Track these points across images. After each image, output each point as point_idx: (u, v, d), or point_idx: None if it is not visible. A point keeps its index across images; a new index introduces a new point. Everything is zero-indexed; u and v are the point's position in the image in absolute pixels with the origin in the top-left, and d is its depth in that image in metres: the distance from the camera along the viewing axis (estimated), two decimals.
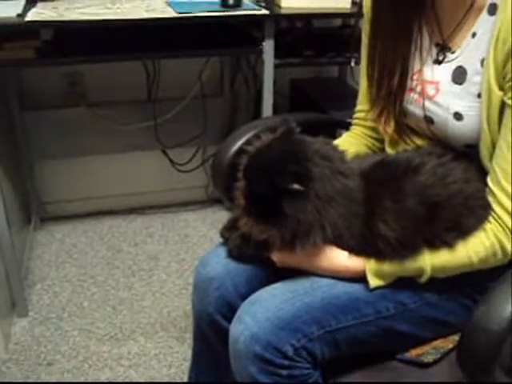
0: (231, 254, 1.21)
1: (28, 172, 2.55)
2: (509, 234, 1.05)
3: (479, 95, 1.08)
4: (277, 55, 2.04)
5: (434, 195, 1.07)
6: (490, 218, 1.06)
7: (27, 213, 2.58)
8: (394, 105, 1.22)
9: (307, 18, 2.22)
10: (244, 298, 1.14)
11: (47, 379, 1.83)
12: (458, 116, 1.11)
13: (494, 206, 1.06)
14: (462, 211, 1.07)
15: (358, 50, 1.36)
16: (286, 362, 1.04)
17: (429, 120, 1.18)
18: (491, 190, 1.07)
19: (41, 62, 1.92)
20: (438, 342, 1.18)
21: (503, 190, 1.05)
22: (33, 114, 2.47)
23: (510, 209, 1.04)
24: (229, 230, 1.22)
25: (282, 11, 1.99)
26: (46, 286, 2.27)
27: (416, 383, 1.13)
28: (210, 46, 2.05)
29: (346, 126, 1.44)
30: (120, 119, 2.54)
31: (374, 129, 1.34)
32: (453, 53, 1.15)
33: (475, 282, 1.14)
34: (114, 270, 2.36)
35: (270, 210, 1.02)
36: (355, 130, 1.39)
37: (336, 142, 1.33)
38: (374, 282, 1.09)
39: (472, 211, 1.07)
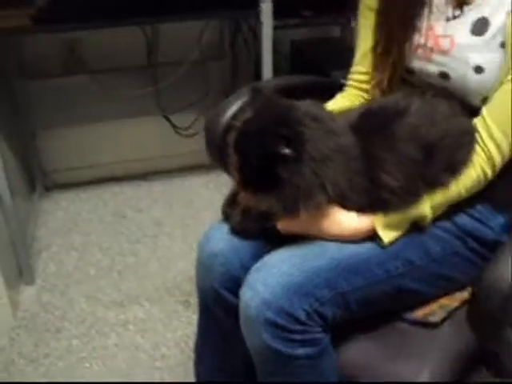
0: (234, 231, 1.19)
1: (30, 141, 2.55)
2: (491, 163, 1.09)
3: (502, 45, 1.08)
4: (276, 16, 2.01)
5: (425, 135, 1.07)
6: (477, 148, 1.09)
7: (31, 182, 2.60)
8: (394, 74, 1.22)
9: None
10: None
11: (56, 345, 1.87)
12: (478, 69, 1.10)
13: (485, 137, 1.09)
14: (453, 149, 1.08)
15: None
16: (299, 327, 1.04)
17: (444, 76, 1.16)
18: (484, 120, 1.10)
19: (37, 29, 1.91)
20: (444, 301, 1.19)
21: (498, 122, 1.08)
22: (33, 82, 2.47)
23: (498, 140, 1.08)
24: (229, 205, 1.21)
25: None
26: (51, 253, 2.29)
27: None
28: (208, 8, 2.02)
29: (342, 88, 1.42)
30: (121, 85, 2.52)
31: (369, 91, 1.32)
32: (470, 4, 1.13)
33: (479, 235, 1.16)
34: (118, 236, 2.38)
35: (266, 180, 1.00)
36: (350, 91, 1.37)
37: (329, 103, 1.32)
38: (386, 236, 1.08)
39: (462, 148, 1.10)
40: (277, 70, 2.23)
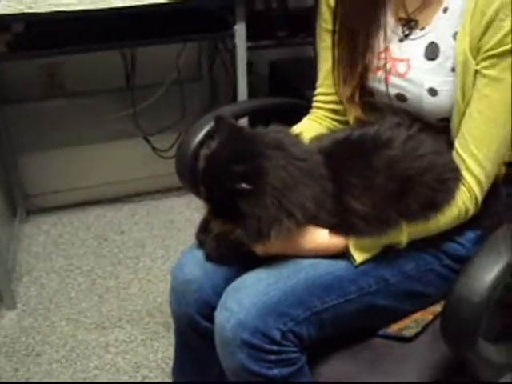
0: (210, 258, 1.20)
1: (11, 165, 2.54)
2: (473, 198, 1.11)
3: (453, 69, 1.10)
4: (251, 37, 2.04)
5: (406, 169, 1.08)
6: (460, 185, 1.11)
7: (13, 206, 2.59)
8: (364, 84, 1.24)
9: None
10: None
11: (36, 370, 1.86)
12: (432, 92, 1.13)
13: (463, 171, 1.11)
14: (435, 186, 1.09)
15: None
16: (275, 347, 1.04)
17: (401, 97, 1.19)
18: (460, 156, 1.11)
19: (13, 55, 1.93)
20: (418, 315, 1.21)
21: (472, 155, 1.09)
22: (12, 106, 2.47)
23: (477, 174, 1.10)
24: (203, 232, 1.22)
25: None
26: (33, 277, 2.28)
27: None
28: (184, 31, 2.04)
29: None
30: (100, 108, 2.55)
31: (335, 111, 1.35)
32: (422, 29, 1.17)
33: (452, 252, 1.18)
34: (100, 258, 2.38)
35: (232, 211, 1.02)
36: (316, 113, 1.39)
37: (296, 126, 1.34)
38: (358, 257, 1.10)
39: (444, 185, 1.10)
40: (255, 91, 2.26)
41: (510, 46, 1.02)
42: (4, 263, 2.11)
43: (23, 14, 1.76)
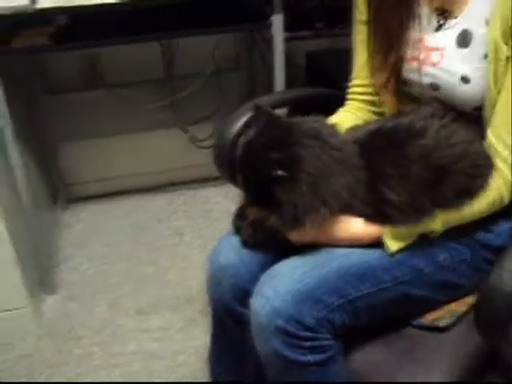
0: (246, 244, 1.22)
1: (52, 154, 2.62)
2: (508, 184, 1.11)
3: (485, 56, 1.11)
4: (289, 28, 2.05)
5: (439, 158, 1.09)
6: (493, 172, 1.11)
7: (53, 194, 2.66)
8: (398, 74, 1.25)
9: None
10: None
11: (78, 352, 1.92)
12: (465, 79, 1.14)
13: (495, 158, 1.11)
14: (469, 173, 1.10)
15: None
16: (309, 334, 1.06)
17: (434, 87, 1.20)
18: (492, 144, 1.12)
19: (56, 47, 1.97)
20: (452, 306, 1.22)
21: (503, 142, 1.10)
22: (54, 96, 2.54)
23: (509, 160, 1.10)
24: (239, 218, 1.24)
25: None
26: (73, 264, 2.35)
27: None
28: (221, 22, 2.07)
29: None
30: (138, 99, 2.59)
31: (371, 102, 1.37)
32: (455, 18, 1.17)
33: (486, 243, 1.18)
34: (138, 246, 2.43)
35: (268, 198, 1.05)
36: (352, 104, 1.40)
37: (332, 117, 1.35)
38: (393, 245, 1.11)
39: (478, 172, 1.11)
40: (292, 82, 2.27)
41: None
42: (46, 250, 2.18)
43: (66, 7, 1.80)
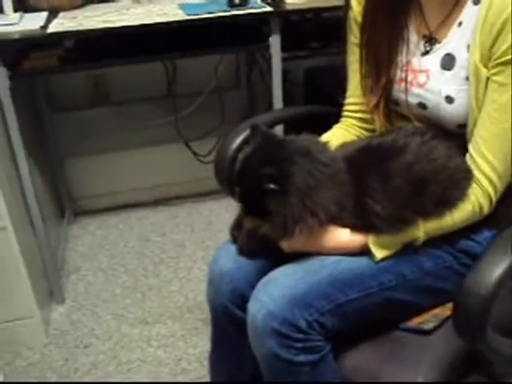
0: (242, 252, 1.31)
1: (59, 169, 2.72)
2: (487, 196, 1.18)
3: (467, 78, 1.19)
4: (286, 48, 2.14)
5: (419, 171, 1.17)
6: (472, 183, 1.19)
7: (61, 208, 2.76)
8: (388, 95, 1.34)
9: (312, 12, 2.29)
10: (254, 288, 1.22)
11: (84, 360, 2.00)
12: (449, 99, 1.22)
13: (475, 171, 1.19)
14: (447, 185, 1.18)
15: None
16: (301, 336, 1.13)
17: (422, 106, 1.29)
18: (472, 157, 1.19)
19: (64, 68, 2.08)
20: (437, 310, 1.28)
21: (483, 156, 1.17)
22: (61, 114, 2.64)
23: (488, 173, 1.17)
24: (236, 228, 1.34)
25: (287, 7, 2.10)
26: (80, 275, 2.43)
27: None
28: (222, 43, 2.16)
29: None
30: (143, 116, 2.69)
31: (364, 120, 1.44)
32: (439, 43, 1.26)
33: (469, 250, 1.25)
34: (143, 258, 2.52)
35: (261, 209, 1.13)
36: (346, 121, 1.48)
37: (326, 134, 1.44)
38: (378, 253, 1.18)
39: (456, 184, 1.19)
40: (292, 98, 2.35)
41: None
42: (54, 261, 2.26)
43: (74, 31, 1.90)
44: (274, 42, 2.08)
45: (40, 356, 2.03)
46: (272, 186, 1.10)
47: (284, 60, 2.17)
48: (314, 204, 1.11)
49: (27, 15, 2.04)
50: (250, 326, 1.18)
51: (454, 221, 1.19)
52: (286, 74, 2.55)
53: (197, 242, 2.61)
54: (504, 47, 1.11)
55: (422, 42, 1.29)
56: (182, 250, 2.56)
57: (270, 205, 1.11)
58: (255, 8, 2.05)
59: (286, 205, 1.10)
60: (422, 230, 1.17)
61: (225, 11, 2.02)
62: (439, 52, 1.25)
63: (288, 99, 2.34)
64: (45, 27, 1.92)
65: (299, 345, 1.14)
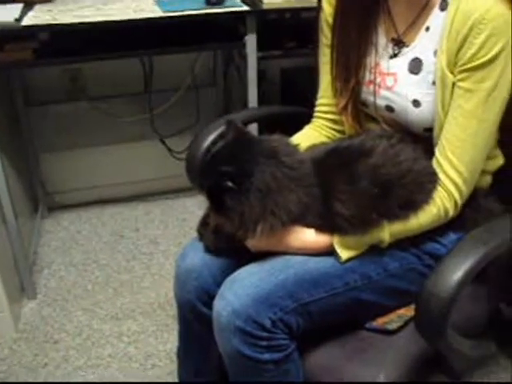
0: (208, 250, 1.33)
1: (34, 164, 2.69)
2: (452, 199, 1.21)
3: (434, 83, 1.22)
4: (262, 47, 2.15)
5: (385, 174, 1.19)
6: (437, 187, 1.21)
7: (34, 202, 2.74)
8: (357, 97, 1.35)
9: (289, 11, 2.31)
10: (221, 285, 1.24)
11: (53, 356, 2.00)
12: (416, 103, 1.24)
13: (440, 175, 1.21)
14: (412, 188, 1.20)
15: None
16: (265, 334, 1.15)
17: (389, 109, 1.31)
18: (438, 161, 1.21)
19: (39, 62, 2.05)
20: (401, 311, 1.31)
21: (449, 160, 1.20)
22: (37, 109, 2.62)
23: (453, 177, 1.20)
24: (203, 226, 1.35)
25: (264, 6, 2.10)
26: (52, 270, 2.43)
27: None
28: (198, 40, 2.16)
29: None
30: (119, 111, 2.69)
31: (334, 121, 1.46)
32: (407, 46, 1.28)
33: (434, 252, 1.27)
34: (116, 254, 2.52)
35: (222, 206, 1.15)
36: (317, 122, 1.50)
37: (297, 135, 1.46)
38: (343, 254, 1.20)
39: (422, 187, 1.21)
40: (268, 96, 2.35)
41: (480, 60, 1.13)
42: (26, 256, 2.25)
43: (49, 24, 1.89)
44: (250, 40, 2.10)
45: (9, 351, 2.03)
46: (230, 184, 1.11)
47: (260, 59, 2.18)
48: (275, 205, 1.13)
49: (1, 6, 2.01)
50: (216, 323, 1.20)
51: (419, 223, 1.21)
52: (263, 73, 2.57)
53: (170, 238, 2.61)
54: (469, 54, 1.14)
55: (390, 45, 1.31)
56: (155, 247, 2.56)
57: (228, 202, 1.13)
58: (232, 6, 2.05)
59: (244, 204, 1.12)
60: (388, 232, 1.19)
61: (201, 9, 2.02)
62: (407, 56, 1.27)
63: (265, 98, 2.35)
64: (19, 19, 1.90)
65: (264, 343, 1.16)
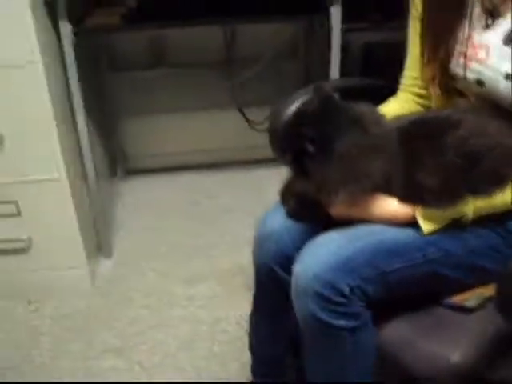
0: (290, 215, 1.32)
1: (114, 128, 2.77)
2: None
3: None
4: (347, 19, 2.11)
5: (473, 145, 1.15)
6: None
7: (113, 165, 2.82)
8: (446, 68, 1.32)
9: None
10: (300, 250, 1.24)
11: (127, 312, 2.06)
12: (508, 77, 1.19)
13: None
14: (501, 162, 1.15)
15: None
16: (343, 300, 1.14)
17: (479, 82, 1.26)
18: None
19: (125, 27, 2.10)
20: (481, 289, 1.27)
21: None
22: (119, 74, 2.68)
23: None
24: (286, 191, 1.35)
25: None
26: (128, 232, 2.50)
27: None
28: (282, 11, 2.14)
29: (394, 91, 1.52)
30: (199, 79, 2.71)
31: (419, 95, 1.43)
32: (503, 17, 1.22)
33: None
34: (190, 220, 2.56)
35: (303, 169, 1.14)
36: (402, 95, 1.47)
37: (382, 106, 1.42)
38: (426, 226, 1.17)
39: (510, 162, 1.16)
40: (349, 71, 2.32)
41: None
42: (103, 217, 2.33)
43: None
44: (335, 12, 2.06)
45: (85, 305, 2.11)
46: (310, 147, 1.10)
47: (344, 32, 2.14)
48: (357, 172, 1.12)
49: None
50: (294, 286, 1.20)
51: (504, 200, 1.17)
52: (345, 48, 2.53)
53: (244, 208, 2.62)
54: None
55: (484, 16, 1.26)
56: (229, 215, 2.58)
57: (310, 167, 1.12)
58: None
59: (324, 169, 1.11)
60: (472, 206, 1.16)
61: None
62: (502, 27, 1.22)
63: (345, 72, 2.31)
64: None
65: (340, 309, 1.15)
